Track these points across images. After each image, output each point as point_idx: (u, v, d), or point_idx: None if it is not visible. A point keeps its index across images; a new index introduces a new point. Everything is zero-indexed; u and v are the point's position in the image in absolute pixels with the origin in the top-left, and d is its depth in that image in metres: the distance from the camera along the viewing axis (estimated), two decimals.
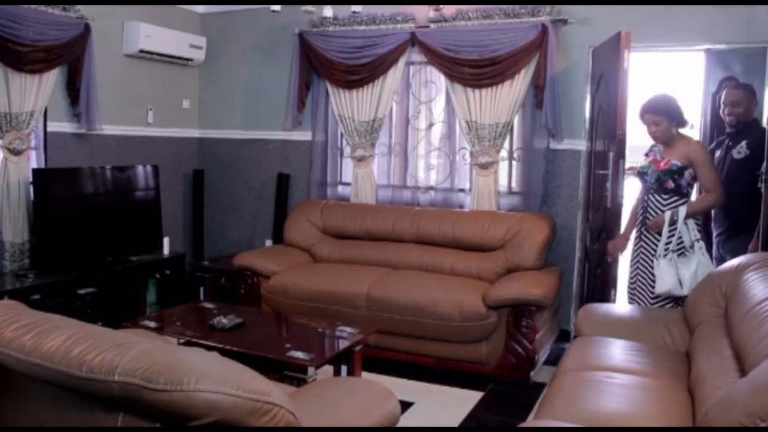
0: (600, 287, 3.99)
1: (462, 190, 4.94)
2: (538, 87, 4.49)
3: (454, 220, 4.57)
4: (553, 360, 3.78)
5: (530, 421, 2.62)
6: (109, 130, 4.86)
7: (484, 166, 4.67)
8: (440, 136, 5.05)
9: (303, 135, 5.42)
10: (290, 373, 2.89)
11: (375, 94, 4.99)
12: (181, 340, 3.15)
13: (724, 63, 4.18)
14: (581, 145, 4.56)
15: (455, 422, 3.33)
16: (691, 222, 3.41)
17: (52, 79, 4.40)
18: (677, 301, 3.46)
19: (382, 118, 5.03)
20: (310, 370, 2.87)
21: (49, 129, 4.53)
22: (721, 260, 3.76)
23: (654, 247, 3.48)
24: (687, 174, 3.41)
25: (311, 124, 5.34)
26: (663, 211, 3.45)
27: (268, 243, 5.57)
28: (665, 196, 3.45)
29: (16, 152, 4.24)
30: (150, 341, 1.53)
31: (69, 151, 4.66)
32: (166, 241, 5.12)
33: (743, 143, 3.69)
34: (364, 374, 3.42)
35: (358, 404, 2.04)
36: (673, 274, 3.36)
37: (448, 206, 4.91)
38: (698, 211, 3.46)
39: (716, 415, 1.77)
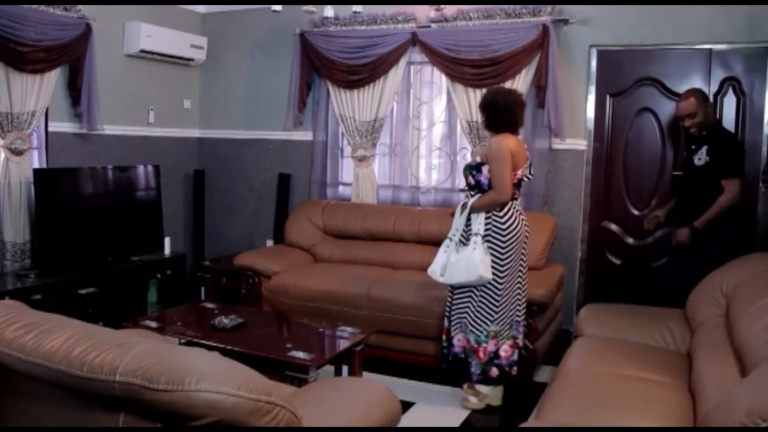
0: None
1: (463, 190, 4.93)
2: (539, 87, 4.48)
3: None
4: (555, 360, 3.78)
5: (531, 421, 2.62)
6: (110, 130, 4.86)
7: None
8: (441, 136, 5.05)
9: (304, 135, 5.42)
10: (291, 373, 2.89)
11: (376, 94, 4.99)
12: (182, 340, 3.15)
13: (725, 63, 4.17)
14: (582, 145, 4.56)
15: (456, 422, 3.33)
16: (481, 216, 3.34)
17: (53, 79, 4.40)
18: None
19: (383, 118, 5.03)
20: (311, 370, 2.87)
21: (50, 129, 4.53)
22: (675, 272, 3.76)
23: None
24: (485, 170, 3.36)
25: (312, 124, 5.34)
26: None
27: (269, 243, 5.57)
28: (471, 192, 3.43)
29: (18, 152, 4.24)
30: (151, 341, 1.53)
31: (70, 151, 4.67)
32: (167, 241, 5.12)
33: (704, 149, 3.65)
34: (365, 374, 3.42)
35: (359, 404, 2.04)
36: (440, 261, 3.40)
37: (448, 206, 4.89)
38: (481, 206, 3.34)
39: (717, 415, 1.77)
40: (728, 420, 1.65)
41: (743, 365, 2.23)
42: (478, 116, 4.64)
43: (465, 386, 3.52)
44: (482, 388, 3.47)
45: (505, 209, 3.34)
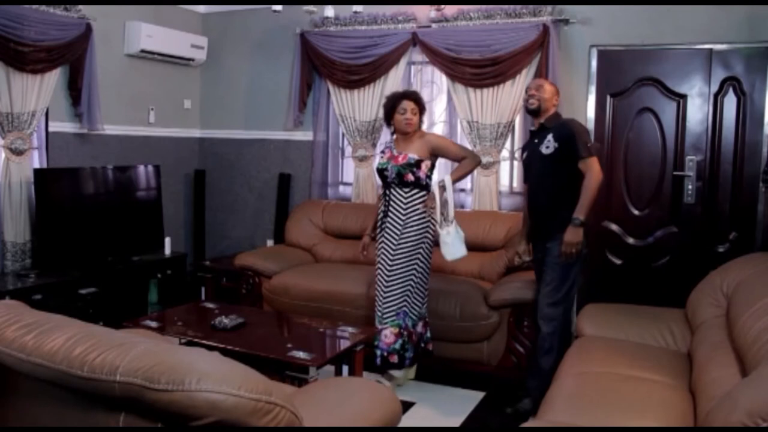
0: None
1: (463, 190, 4.94)
2: None
3: (455, 220, 4.56)
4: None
5: (531, 422, 2.62)
6: (110, 130, 4.86)
7: (485, 166, 4.66)
8: None
9: (304, 135, 5.42)
10: (291, 373, 2.89)
11: (376, 94, 4.99)
12: (183, 340, 3.15)
13: (725, 63, 4.17)
14: None
15: (456, 422, 3.33)
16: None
17: (54, 79, 4.40)
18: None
19: (383, 118, 5.02)
20: (312, 370, 2.87)
21: (50, 129, 4.53)
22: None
23: (394, 235, 3.58)
24: (424, 166, 3.59)
25: (312, 124, 5.34)
26: (404, 204, 3.60)
27: (270, 243, 5.57)
28: (406, 189, 3.60)
29: (18, 152, 4.24)
30: (151, 341, 1.53)
31: (70, 151, 4.67)
32: (167, 241, 5.12)
33: (549, 137, 3.41)
34: (366, 374, 3.42)
35: (360, 404, 2.04)
36: (460, 240, 3.55)
37: None
38: (463, 175, 3.72)
39: (718, 415, 1.77)
40: (729, 420, 1.64)
41: (744, 365, 2.23)
42: (478, 116, 4.66)
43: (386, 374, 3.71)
44: (396, 373, 3.67)
45: None
